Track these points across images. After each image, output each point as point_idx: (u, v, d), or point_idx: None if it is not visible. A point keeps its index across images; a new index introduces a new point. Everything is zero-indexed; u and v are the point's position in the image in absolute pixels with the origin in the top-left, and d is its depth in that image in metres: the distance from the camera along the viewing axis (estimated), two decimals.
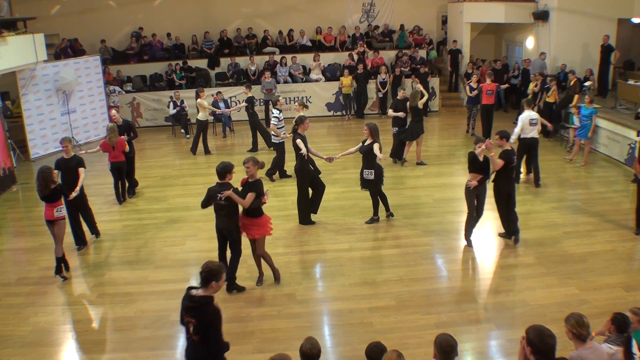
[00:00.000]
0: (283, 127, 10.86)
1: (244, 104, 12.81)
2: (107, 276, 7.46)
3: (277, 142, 10.89)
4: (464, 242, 8.04)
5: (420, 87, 12.38)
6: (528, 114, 10.09)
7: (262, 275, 7.06)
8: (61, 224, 7.27)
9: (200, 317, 4.07)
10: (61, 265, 7.34)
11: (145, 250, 8.17)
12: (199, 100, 13.01)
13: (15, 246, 8.79)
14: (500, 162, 7.57)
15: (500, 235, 8.20)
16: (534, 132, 10.16)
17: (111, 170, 9.87)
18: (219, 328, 4.14)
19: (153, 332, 6.11)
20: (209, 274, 4.08)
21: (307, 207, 8.83)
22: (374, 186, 8.52)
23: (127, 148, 9.83)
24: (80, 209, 8.25)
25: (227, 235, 6.66)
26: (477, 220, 8.00)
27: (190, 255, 7.97)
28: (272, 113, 10.84)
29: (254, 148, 13.05)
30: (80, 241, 8.29)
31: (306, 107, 11.14)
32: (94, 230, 8.66)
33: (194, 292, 4.13)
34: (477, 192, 7.83)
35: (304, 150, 8.45)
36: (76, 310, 6.63)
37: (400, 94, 11.71)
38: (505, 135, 7.82)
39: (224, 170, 6.45)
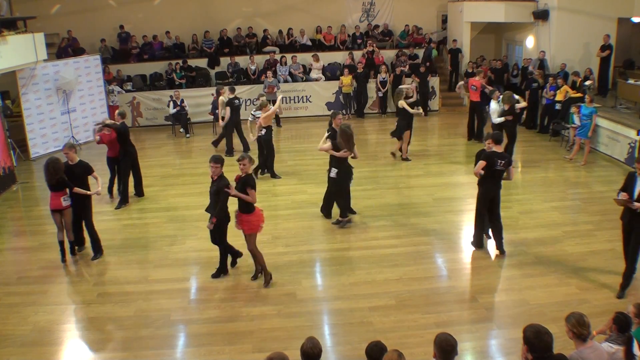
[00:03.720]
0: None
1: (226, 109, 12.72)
2: (107, 275, 7.46)
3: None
4: (465, 241, 8.05)
5: (405, 87, 12.26)
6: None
7: (259, 273, 7.08)
8: (68, 212, 7.60)
9: None
10: (74, 247, 7.86)
11: (145, 250, 8.17)
12: (221, 97, 12.94)
13: (15, 245, 8.78)
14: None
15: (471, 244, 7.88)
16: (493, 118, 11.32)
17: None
18: None
19: (153, 331, 6.11)
20: None
21: (348, 200, 8.86)
22: (333, 185, 8.55)
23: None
24: (82, 217, 7.89)
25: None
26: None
27: (190, 255, 7.97)
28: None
29: (246, 148, 12.90)
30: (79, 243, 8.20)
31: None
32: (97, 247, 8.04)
33: None
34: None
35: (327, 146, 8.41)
36: (76, 310, 6.63)
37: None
38: (494, 138, 7.43)
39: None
